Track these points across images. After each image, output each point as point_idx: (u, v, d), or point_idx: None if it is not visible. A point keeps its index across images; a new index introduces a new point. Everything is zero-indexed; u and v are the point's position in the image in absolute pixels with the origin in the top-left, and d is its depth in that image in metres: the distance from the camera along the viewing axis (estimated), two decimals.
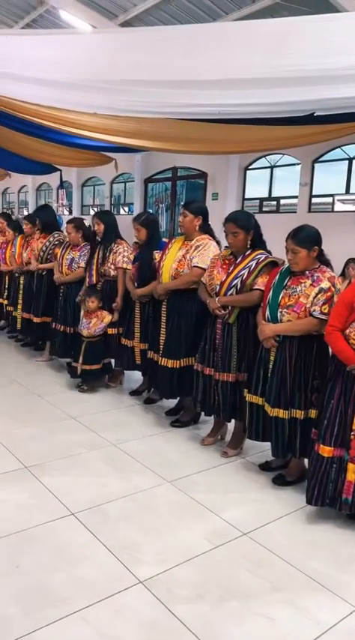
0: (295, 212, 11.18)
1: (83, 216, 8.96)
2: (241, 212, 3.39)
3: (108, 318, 4.40)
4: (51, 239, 5.28)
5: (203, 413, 3.64)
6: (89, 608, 1.96)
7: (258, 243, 3.31)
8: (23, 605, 1.96)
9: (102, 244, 4.54)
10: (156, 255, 3.98)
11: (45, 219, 5.45)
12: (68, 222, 4.95)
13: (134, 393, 4.47)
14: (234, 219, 3.26)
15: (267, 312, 2.95)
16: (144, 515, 2.63)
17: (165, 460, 3.25)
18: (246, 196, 12.46)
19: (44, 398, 4.25)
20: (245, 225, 3.23)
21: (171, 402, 4.12)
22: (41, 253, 5.25)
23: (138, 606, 2.00)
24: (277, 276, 2.99)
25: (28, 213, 7.04)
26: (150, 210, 14.70)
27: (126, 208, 16.32)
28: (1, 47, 4.49)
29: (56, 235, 5.33)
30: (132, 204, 15.70)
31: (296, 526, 2.62)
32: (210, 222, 3.75)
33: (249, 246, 3.28)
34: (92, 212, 17.64)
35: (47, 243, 5.26)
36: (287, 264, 2.97)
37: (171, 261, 3.69)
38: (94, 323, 4.39)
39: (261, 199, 12.23)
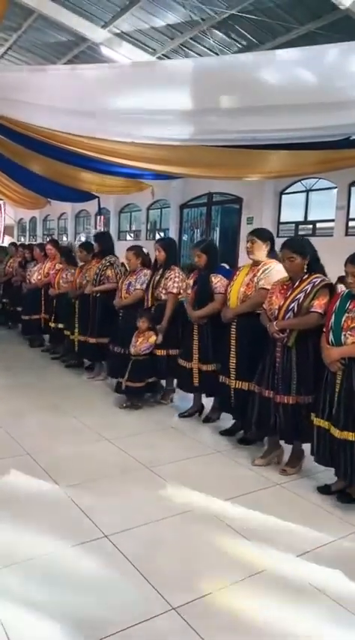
0: (331, 235, 11.08)
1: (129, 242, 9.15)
2: (296, 238, 3.52)
3: (153, 338, 4.57)
4: (103, 261, 5.51)
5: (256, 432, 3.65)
6: (120, 633, 1.93)
7: (315, 267, 3.38)
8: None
9: (159, 270, 4.72)
10: (213, 278, 4.16)
11: (105, 245, 5.72)
12: (128, 249, 5.17)
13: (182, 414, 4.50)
14: (290, 245, 3.36)
15: (331, 337, 3.00)
16: (178, 539, 2.59)
17: (206, 483, 3.19)
18: (281, 220, 12.47)
19: (86, 417, 4.27)
20: (300, 251, 3.31)
21: (227, 422, 4.14)
22: (95, 277, 5.48)
23: (170, 633, 1.96)
24: (338, 301, 3.06)
25: (85, 241, 7.45)
26: (186, 235, 14.89)
27: (162, 233, 16.58)
28: (42, 81, 4.72)
29: (108, 258, 5.56)
30: (168, 229, 15.94)
31: (338, 557, 2.52)
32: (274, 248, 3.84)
33: (305, 271, 3.34)
34: (129, 237, 18.03)
35: (100, 266, 5.49)
36: (347, 290, 3.03)
37: (238, 286, 3.83)
38: (140, 342, 4.57)
39: (297, 223, 12.20)
